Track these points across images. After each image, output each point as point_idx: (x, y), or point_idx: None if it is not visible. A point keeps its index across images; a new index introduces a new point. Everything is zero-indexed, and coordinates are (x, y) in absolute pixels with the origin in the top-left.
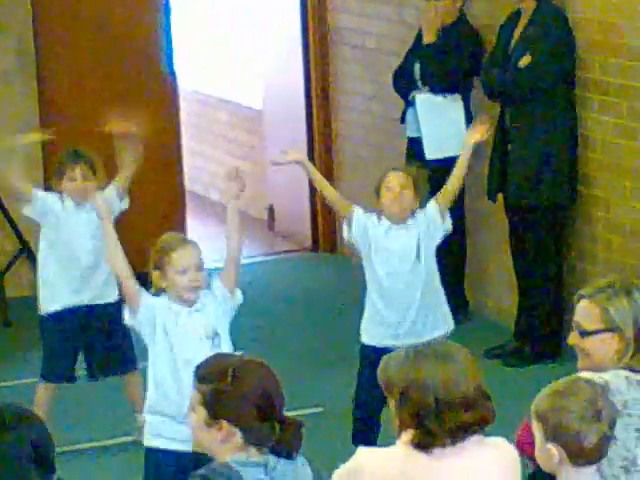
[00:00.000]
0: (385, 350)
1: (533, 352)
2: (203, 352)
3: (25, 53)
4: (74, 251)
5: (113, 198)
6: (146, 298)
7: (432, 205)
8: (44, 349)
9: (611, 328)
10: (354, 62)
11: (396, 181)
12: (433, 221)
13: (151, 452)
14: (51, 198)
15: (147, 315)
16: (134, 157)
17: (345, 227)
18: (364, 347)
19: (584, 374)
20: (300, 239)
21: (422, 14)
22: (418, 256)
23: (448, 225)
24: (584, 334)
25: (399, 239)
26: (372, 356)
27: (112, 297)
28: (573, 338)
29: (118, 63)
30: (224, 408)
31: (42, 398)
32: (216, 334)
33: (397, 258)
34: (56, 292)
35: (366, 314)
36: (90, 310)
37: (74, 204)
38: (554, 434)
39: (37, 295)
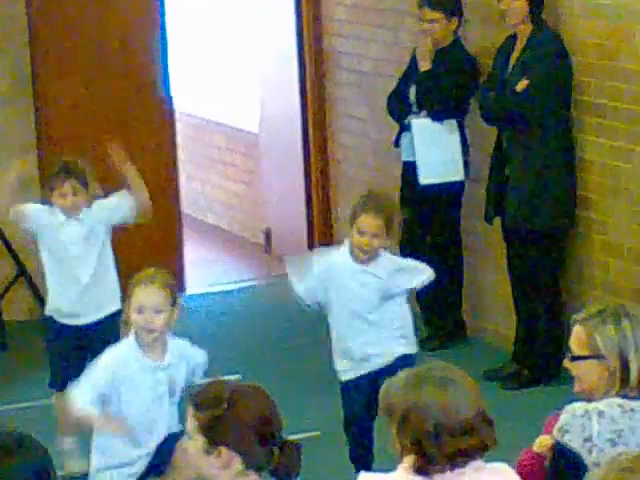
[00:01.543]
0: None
1: (531, 375)
2: (158, 410)
3: (22, 75)
4: (71, 267)
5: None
6: (98, 382)
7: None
8: (48, 355)
9: (596, 355)
10: (350, 85)
11: (368, 227)
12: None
13: None
14: (41, 211)
15: (107, 389)
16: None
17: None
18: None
19: (579, 404)
20: None
21: (417, 41)
22: (381, 301)
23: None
24: (572, 359)
25: (360, 285)
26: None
27: (114, 307)
28: (565, 362)
29: (115, 86)
30: (222, 434)
31: (60, 407)
32: (176, 388)
33: (356, 302)
34: (57, 305)
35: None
36: (91, 326)
37: (65, 217)
38: None
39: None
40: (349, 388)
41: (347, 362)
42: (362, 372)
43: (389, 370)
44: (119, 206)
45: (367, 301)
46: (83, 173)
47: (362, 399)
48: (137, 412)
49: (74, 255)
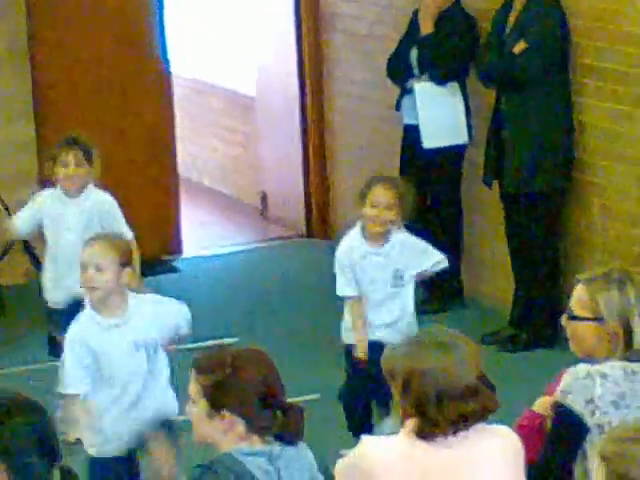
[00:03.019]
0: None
1: (529, 338)
2: (134, 364)
3: (18, 39)
4: (62, 246)
5: None
6: (78, 358)
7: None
8: (50, 327)
9: (596, 318)
10: (347, 48)
11: (383, 199)
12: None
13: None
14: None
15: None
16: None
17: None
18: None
19: (581, 366)
20: (293, 225)
21: (415, 3)
22: (394, 282)
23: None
24: (571, 318)
25: (375, 266)
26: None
27: None
28: (563, 319)
29: (112, 49)
30: (225, 398)
31: None
32: (152, 346)
33: (369, 285)
34: (52, 290)
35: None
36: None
37: (64, 198)
38: None
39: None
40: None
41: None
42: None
43: None
44: (116, 227)
45: (382, 282)
46: (88, 147)
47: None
48: (117, 372)
49: (67, 237)
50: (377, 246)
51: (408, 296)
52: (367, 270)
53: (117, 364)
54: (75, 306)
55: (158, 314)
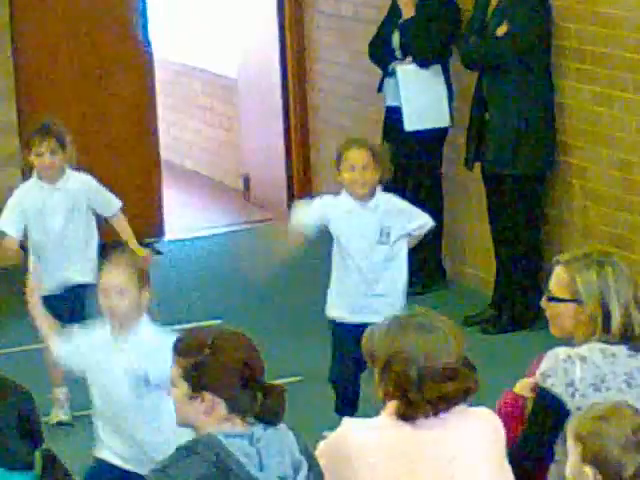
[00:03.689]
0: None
1: (511, 320)
2: (125, 390)
3: (0, 22)
4: (49, 233)
5: None
6: (73, 346)
7: (407, 224)
8: None
9: (574, 299)
10: (330, 30)
11: (358, 160)
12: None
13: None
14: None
15: (79, 355)
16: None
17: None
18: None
19: (561, 349)
20: (276, 208)
21: None
22: (381, 239)
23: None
24: (550, 299)
25: (360, 221)
26: (339, 330)
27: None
28: (542, 301)
29: (93, 32)
30: (206, 379)
31: (49, 359)
32: (142, 378)
33: (358, 239)
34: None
35: (332, 288)
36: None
37: (44, 186)
38: (593, 459)
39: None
40: (340, 329)
41: (342, 301)
42: (355, 320)
43: None
44: (105, 200)
45: (368, 237)
46: (61, 134)
47: (352, 344)
48: (100, 396)
49: (53, 224)
50: (363, 202)
51: (400, 270)
52: (353, 225)
53: (105, 383)
54: (70, 292)
55: (158, 349)
